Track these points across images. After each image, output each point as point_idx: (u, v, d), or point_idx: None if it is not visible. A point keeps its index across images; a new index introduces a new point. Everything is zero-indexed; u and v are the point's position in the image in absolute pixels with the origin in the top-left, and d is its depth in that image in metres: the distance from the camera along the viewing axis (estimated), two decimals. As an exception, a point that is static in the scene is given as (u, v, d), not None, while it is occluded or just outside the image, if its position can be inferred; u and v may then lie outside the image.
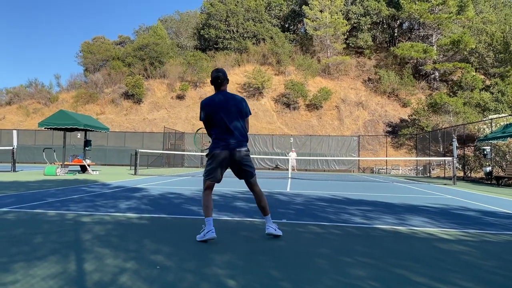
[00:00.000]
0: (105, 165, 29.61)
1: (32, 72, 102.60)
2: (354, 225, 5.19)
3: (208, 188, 4.16)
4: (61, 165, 16.32)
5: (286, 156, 26.10)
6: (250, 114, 4.36)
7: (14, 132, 17.87)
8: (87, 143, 18.24)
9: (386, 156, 29.43)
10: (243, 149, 4.12)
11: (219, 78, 4.19)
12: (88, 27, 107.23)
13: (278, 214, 5.92)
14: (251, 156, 4.36)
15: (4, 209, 5.86)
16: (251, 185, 4.26)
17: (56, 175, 14.86)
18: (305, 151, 30.11)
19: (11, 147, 17.40)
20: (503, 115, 23.23)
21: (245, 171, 4.19)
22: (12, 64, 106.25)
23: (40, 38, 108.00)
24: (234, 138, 4.07)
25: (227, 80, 4.30)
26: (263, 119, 36.69)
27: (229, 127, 4.07)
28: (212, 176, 4.12)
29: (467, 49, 36.00)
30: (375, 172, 29.19)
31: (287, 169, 23.82)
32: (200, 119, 4.20)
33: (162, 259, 3.23)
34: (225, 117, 4.07)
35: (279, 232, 4.19)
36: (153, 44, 46.26)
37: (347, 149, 30.25)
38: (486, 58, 36.00)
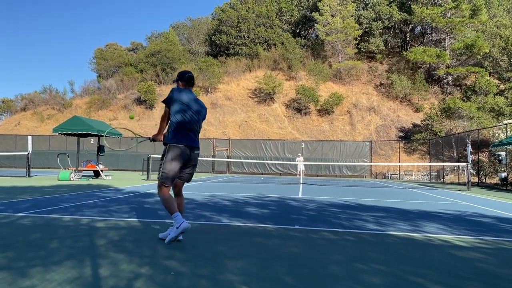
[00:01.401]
0: (117, 170, 29.87)
1: (46, 79, 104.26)
2: (368, 232, 5.15)
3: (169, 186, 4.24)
4: (75, 170, 16.51)
5: (294, 162, 26.11)
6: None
7: (29, 137, 18.16)
8: (100, 148, 18.43)
9: (399, 162, 29.17)
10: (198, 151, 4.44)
11: (193, 79, 4.50)
12: (101, 34, 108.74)
13: (291, 220, 5.90)
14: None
15: (20, 214, 5.94)
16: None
17: (70, 180, 15.04)
18: (317, 156, 30.00)
19: (26, 153, 17.66)
20: (518, 120, 22.88)
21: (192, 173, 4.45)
22: (28, 71, 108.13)
23: (54, 45, 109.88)
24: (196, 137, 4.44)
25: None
26: (274, 124, 36.68)
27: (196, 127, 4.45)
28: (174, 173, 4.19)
29: (481, 53, 35.62)
30: (388, 178, 28.94)
31: (296, 175, 23.76)
32: (166, 101, 4.29)
33: (176, 264, 3.25)
34: (195, 116, 4.36)
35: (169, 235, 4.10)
36: (165, 50, 46.69)
37: (359, 155, 30.06)
38: (500, 62, 35.57)
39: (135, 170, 29.60)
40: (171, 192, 4.25)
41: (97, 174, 17.70)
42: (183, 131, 4.21)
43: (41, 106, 45.86)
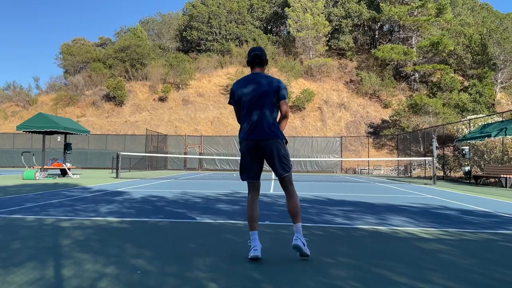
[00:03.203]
0: (86, 168, 29.16)
1: (10, 74, 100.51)
2: (336, 226, 5.22)
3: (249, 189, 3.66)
4: (40, 169, 16.00)
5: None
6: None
7: (-9, 135, 17.44)
8: (67, 146, 17.93)
9: (368, 157, 29.77)
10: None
11: (258, 57, 3.70)
12: (68, 29, 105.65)
13: (262, 216, 5.91)
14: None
15: (-20, 215, 5.71)
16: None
17: (35, 179, 14.57)
18: (288, 152, 30.17)
19: (-12, 151, 16.97)
20: (481, 115, 23.77)
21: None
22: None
23: (17, 39, 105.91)
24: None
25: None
26: (246, 121, 36.61)
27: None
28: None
29: (446, 51, 36.77)
30: (358, 173, 29.48)
31: (270, 171, 23.87)
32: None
33: (143, 263, 3.19)
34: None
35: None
36: (134, 46, 45.83)
37: (330, 150, 30.48)
38: (464, 60, 36.83)
39: (104, 168, 28.97)
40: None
41: (64, 172, 17.22)
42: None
43: (5, 103, 44.20)
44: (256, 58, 3.66)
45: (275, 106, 3.55)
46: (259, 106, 3.51)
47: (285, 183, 3.53)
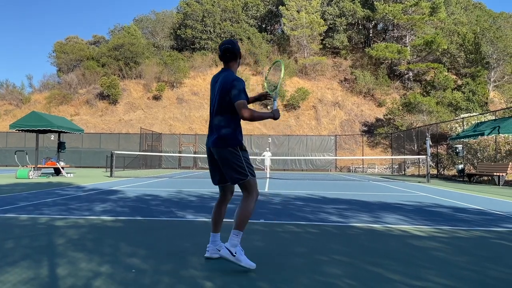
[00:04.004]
0: (80, 167, 29.01)
1: (2, 73, 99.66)
2: (331, 224, 5.24)
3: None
4: (33, 168, 15.89)
5: (262, 156, 26.22)
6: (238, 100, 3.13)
7: (-16, 134, 17.30)
8: (60, 145, 17.82)
9: (363, 155, 29.88)
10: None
11: (228, 51, 3.35)
12: (61, 26, 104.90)
13: (256, 215, 5.92)
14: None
15: (-27, 214, 5.67)
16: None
17: (29, 178, 14.47)
18: (283, 151, 30.24)
19: (-19, 150, 16.83)
20: (474, 114, 23.93)
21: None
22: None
23: (10, 37, 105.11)
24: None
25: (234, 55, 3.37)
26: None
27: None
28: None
29: (440, 50, 36.95)
30: (352, 171, 29.59)
31: (264, 169, 23.93)
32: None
33: (138, 262, 3.19)
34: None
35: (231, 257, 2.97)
36: (128, 44, 45.60)
37: (325, 149, 30.55)
38: (458, 59, 37.02)
39: (98, 167, 28.85)
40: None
41: (57, 171, 17.12)
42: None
43: (-3, 101, 43.86)
44: (226, 53, 3.34)
45: (229, 109, 3.16)
46: (214, 109, 3.26)
47: (241, 188, 3.23)
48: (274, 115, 3.31)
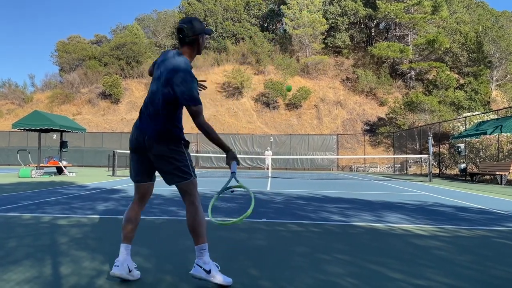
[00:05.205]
0: (82, 166, 29.06)
1: (5, 72, 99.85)
2: (333, 223, 5.24)
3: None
4: (36, 167, 15.93)
5: (263, 155, 26.26)
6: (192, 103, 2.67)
7: (-13, 133, 17.35)
8: (63, 144, 17.87)
9: (364, 155, 29.85)
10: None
11: (181, 30, 2.74)
12: (63, 26, 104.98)
13: (258, 214, 5.93)
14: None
15: (-24, 213, 5.69)
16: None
17: (31, 177, 14.51)
18: (285, 150, 30.23)
19: (-16, 149, 16.89)
20: (476, 113, 23.86)
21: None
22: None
23: (12, 36, 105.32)
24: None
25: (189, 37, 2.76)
26: (243, 119, 36.66)
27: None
28: None
29: (442, 49, 36.85)
30: (354, 170, 29.56)
31: (265, 169, 23.95)
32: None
33: (141, 260, 3.20)
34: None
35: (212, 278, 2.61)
36: (130, 44, 45.62)
37: (326, 148, 30.52)
38: (460, 58, 36.89)
39: (100, 166, 28.90)
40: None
41: (60, 170, 17.16)
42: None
43: (0, 100, 43.94)
44: (179, 34, 2.75)
45: (176, 101, 2.68)
46: (156, 97, 2.73)
47: (181, 191, 2.80)
48: (229, 154, 2.96)
